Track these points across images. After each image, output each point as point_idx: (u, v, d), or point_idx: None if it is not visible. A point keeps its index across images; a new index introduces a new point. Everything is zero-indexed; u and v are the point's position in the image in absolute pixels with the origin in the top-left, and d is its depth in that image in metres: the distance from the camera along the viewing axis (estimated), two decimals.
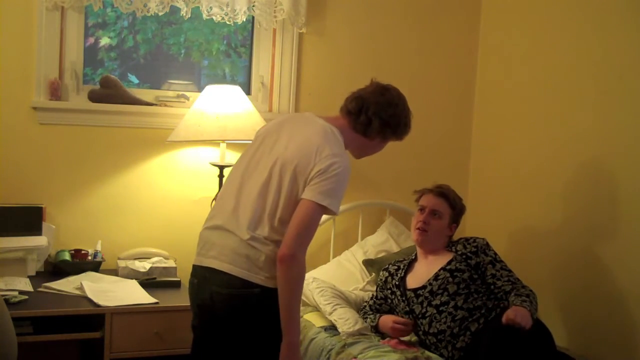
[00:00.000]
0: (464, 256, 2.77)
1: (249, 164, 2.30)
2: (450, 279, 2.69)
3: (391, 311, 2.89)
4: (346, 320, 2.82)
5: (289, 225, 2.14)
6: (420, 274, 2.81)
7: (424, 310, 2.70)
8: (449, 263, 2.75)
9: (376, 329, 2.84)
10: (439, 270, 2.74)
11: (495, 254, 2.81)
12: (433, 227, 2.82)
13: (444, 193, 2.89)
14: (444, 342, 2.62)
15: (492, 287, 2.71)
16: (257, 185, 2.22)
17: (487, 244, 2.83)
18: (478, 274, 2.74)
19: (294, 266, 2.12)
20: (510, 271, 2.76)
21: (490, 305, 2.63)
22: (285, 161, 2.19)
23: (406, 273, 2.86)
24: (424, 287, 2.74)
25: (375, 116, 2.33)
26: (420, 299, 2.72)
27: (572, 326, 3.03)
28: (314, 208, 2.13)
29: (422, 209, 2.87)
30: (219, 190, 2.45)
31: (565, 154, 3.14)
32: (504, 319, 2.48)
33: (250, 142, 2.41)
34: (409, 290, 2.78)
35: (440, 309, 2.66)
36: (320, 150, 2.17)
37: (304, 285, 3.02)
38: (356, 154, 2.46)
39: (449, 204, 2.87)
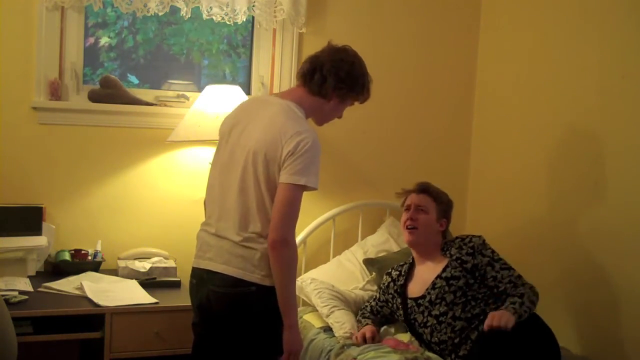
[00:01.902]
0: (458, 261, 2.74)
1: (222, 164, 2.31)
2: (447, 288, 2.67)
3: (391, 314, 2.89)
4: (342, 325, 2.82)
5: (273, 211, 2.15)
6: (420, 282, 2.79)
7: (425, 319, 2.69)
8: (444, 270, 2.73)
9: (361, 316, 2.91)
10: (436, 278, 2.73)
11: (493, 252, 2.77)
12: (421, 222, 2.80)
13: (424, 189, 2.89)
14: (447, 350, 2.62)
15: (495, 290, 2.70)
16: (235, 183, 2.22)
17: (484, 243, 2.79)
18: (475, 277, 2.71)
19: (286, 249, 2.14)
20: (510, 269, 2.73)
21: (488, 311, 2.61)
22: (255, 151, 2.19)
23: (406, 280, 2.85)
24: (423, 296, 2.73)
25: (329, 73, 2.29)
26: (421, 308, 2.72)
27: (573, 326, 3.03)
28: (293, 189, 2.14)
29: (407, 208, 2.87)
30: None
31: (565, 153, 3.14)
32: (485, 328, 2.51)
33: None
34: (410, 299, 2.78)
35: (440, 319, 2.65)
36: (284, 132, 2.17)
37: (304, 285, 3.05)
38: (318, 120, 2.42)
39: (432, 197, 2.86)
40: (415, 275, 2.85)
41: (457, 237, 2.88)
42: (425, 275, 2.79)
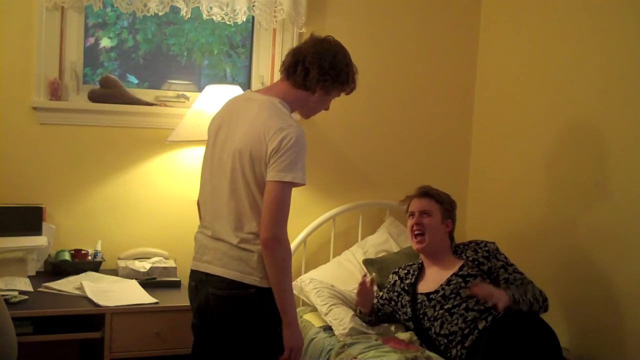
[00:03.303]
0: (475, 262, 2.78)
1: (212, 165, 2.29)
2: (463, 284, 2.70)
3: (392, 313, 2.89)
4: (340, 321, 2.82)
5: (262, 210, 2.14)
6: (431, 281, 2.80)
7: (436, 313, 2.70)
8: (460, 269, 2.76)
9: (360, 311, 2.90)
10: (451, 275, 2.75)
11: (506, 257, 2.82)
12: (427, 226, 2.82)
13: (426, 192, 2.90)
14: (455, 342, 2.62)
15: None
16: (226, 185, 2.21)
17: (497, 249, 2.84)
18: (490, 278, 2.75)
19: (279, 247, 2.13)
20: (522, 274, 2.78)
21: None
22: (241, 152, 2.17)
23: (417, 279, 2.86)
24: (436, 291, 2.74)
25: (312, 65, 2.24)
26: (433, 302, 2.72)
27: (573, 326, 3.03)
28: (280, 187, 2.12)
29: (411, 214, 2.88)
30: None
31: (565, 153, 3.14)
32: (470, 287, 2.61)
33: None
34: (421, 294, 2.78)
35: (452, 311, 2.66)
36: (267, 130, 2.14)
37: (304, 285, 3.05)
38: (304, 113, 2.38)
39: (435, 200, 2.88)
40: (426, 276, 2.86)
41: (471, 242, 2.91)
42: (438, 275, 2.80)
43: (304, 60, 2.25)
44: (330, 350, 2.73)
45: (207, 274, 2.24)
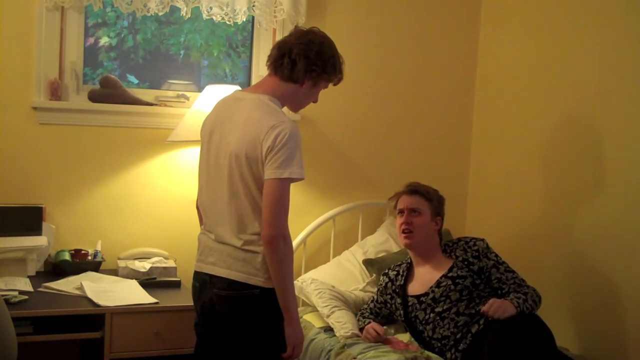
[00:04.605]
0: (465, 262, 2.76)
1: (208, 169, 2.28)
2: (453, 287, 2.69)
3: (390, 315, 2.89)
4: (343, 325, 2.82)
5: (263, 208, 2.13)
6: (421, 282, 2.79)
7: (427, 316, 2.70)
8: (450, 270, 2.74)
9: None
10: (441, 277, 2.74)
11: (497, 255, 2.81)
12: (417, 225, 2.81)
13: (415, 190, 2.88)
14: (448, 346, 2.62)
15: (500, 291, 2.72)
16: (225, 189, 2.20)
17: (488, 246, 2.82)
18: (481, 278, 2.74)
19: (282, 243, 2.12)
20: (514, 272, 2.77)
21: None
22: (237, 155, 2.17)
23: (406, 280, 2.85)
24: (426, 294, 2.73)
25: (299, 57, 2.23)
26: (423, 305, 2.72)
27: (573, 327, 3.03)
28: (279, 184, 2.11)
29: (400, 212, 2.86)
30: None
31: (565, 153, 3.14)
32: (481, 310, 2.58)
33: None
34: (411, 296, 2.77)
35: (443, 315, 2.66)
36: (260, 129, 2.13)
37: (304, 285, 3.05)
38: (293, 107, 2.37)
39: (424, 197, 2.85)
40: (415, 276, 2.85)
41: (459, 240, 2.88)
42: (427, 275, 2.79)
43: (290, 53, 2.24)
44: (330, 350, 2.73)
45: (211, 276, 2.24)
